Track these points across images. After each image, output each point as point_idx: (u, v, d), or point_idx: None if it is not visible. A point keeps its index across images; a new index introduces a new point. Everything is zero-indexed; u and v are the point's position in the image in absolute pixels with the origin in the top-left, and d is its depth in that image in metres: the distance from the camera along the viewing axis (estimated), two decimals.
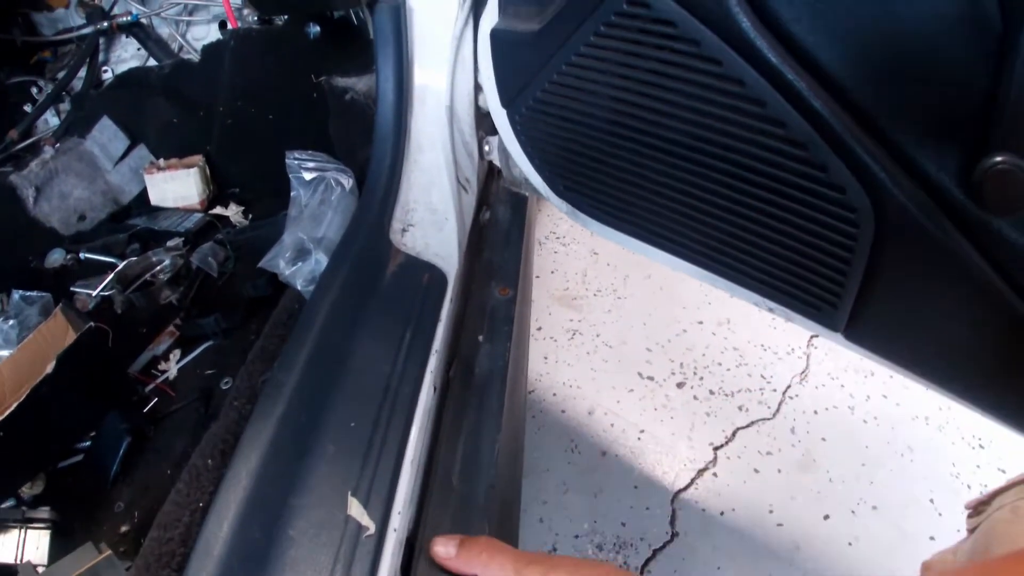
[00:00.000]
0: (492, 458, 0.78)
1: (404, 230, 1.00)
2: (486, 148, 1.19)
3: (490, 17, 0.91)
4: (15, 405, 0.81)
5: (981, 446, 1.64)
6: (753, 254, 0.75)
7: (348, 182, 0.99)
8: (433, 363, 0.82)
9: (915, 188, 0.59)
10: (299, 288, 0.89)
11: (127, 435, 0.89)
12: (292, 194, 1.00)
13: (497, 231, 1.17)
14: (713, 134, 0.68)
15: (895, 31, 0.54)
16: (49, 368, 0.84)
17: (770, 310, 0.84)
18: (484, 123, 1.15)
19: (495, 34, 0.87)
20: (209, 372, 0.98)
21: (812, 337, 1.88)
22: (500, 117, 0.94)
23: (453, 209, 1.04)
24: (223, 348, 1.02)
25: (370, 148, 1.07)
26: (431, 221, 1.02)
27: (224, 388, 0.93)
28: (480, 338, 0.92)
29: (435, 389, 0.81)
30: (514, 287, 1.02)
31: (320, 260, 0.89)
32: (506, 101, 0.90)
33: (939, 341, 0.69)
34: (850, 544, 1.47)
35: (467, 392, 0.85)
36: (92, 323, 0.89)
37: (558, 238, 2.24)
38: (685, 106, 0.68)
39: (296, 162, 1.01)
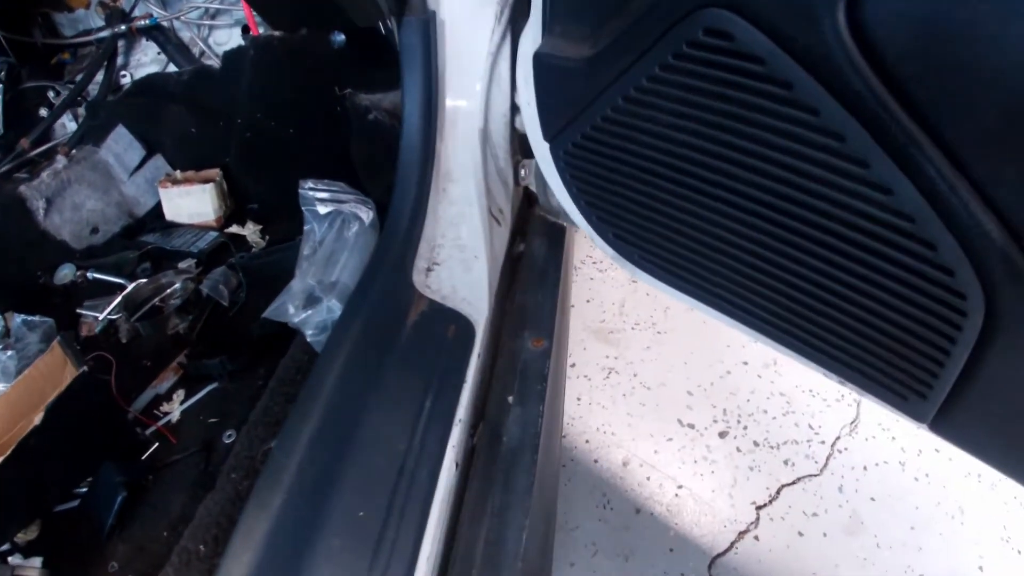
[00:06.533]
0: (518, 549, 0.68)
1: (429, 269, 0.90)
2: (522, 173, 1.09)
3: (532, 36, 0.80)
4: (1, 459, 0.74)
5: None
6: (834, 331, 0.64)
7: (367, 216, 0.89)
8: (456, 435, 0.72)
9: None
10: (308, 338, 0.79)
11: (122, 489, 0.83)
12: (305, 227, 0.90)
13: (532, 268, 1.07)
14: (799, 193, 0.57)
15: None
16: (37, 419, 0.77)
17: (840, 383, 0.74)
18: (520, 146, 1.05)
19: (539, 58, 0.75)
20: (212, 421, 0.90)
21: None
22: (541, 150, 0.83)
23: (484, 246, 0.94)
24: (228, 392, 0.94)
25: (395, 174, 0.97)
26: (459, 259, 0.92)
27: (227, 442, 0.85)
28: (510, 399, 0.82)
29: (456, 465, 0.71)
30: (549, 337, 0.91)
31: (332, 308, 0.79)
32: (549, 135, 0.79)
33: None
34: None
35: (493, 466, 0.75)
36: (85, 368, 0.81)
37: (595, 263, 2.12)
38: (767, 158, 0.58)
39: (311, 193, 0.92)
